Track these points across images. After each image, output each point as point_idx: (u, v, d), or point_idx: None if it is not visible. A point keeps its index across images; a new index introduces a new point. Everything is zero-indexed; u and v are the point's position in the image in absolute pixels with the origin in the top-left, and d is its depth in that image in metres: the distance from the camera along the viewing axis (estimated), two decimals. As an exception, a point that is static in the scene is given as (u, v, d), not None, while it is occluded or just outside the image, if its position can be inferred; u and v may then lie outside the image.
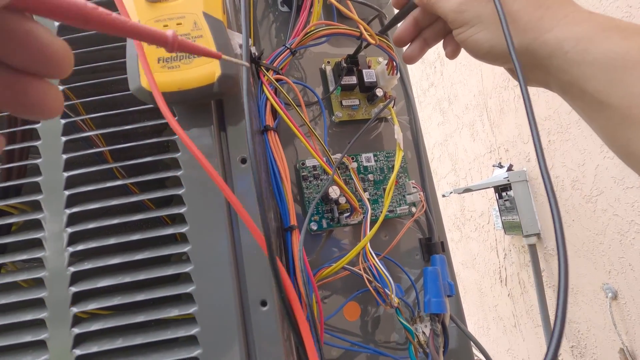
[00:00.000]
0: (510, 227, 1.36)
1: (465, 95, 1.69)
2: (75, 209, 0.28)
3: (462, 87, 1.71)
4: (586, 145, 1.03)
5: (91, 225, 0.28)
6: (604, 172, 0.98)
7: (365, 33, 0.37)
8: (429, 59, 2.06)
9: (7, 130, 0.33)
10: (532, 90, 1.21)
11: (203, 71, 0.26)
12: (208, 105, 0.29)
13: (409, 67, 1.72)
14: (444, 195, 1.69)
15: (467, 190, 1.47)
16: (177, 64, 0.26)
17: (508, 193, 1.35)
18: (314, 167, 0.45)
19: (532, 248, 1.30)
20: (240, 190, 0.29)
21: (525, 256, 1.39)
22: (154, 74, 0.26)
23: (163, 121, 0.29)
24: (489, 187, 1.44)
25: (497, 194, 1.41)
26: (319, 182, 0.44)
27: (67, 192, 0.28)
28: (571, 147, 1.09)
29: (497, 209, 1.43)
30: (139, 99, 0.26)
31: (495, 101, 1.44)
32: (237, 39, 0.29)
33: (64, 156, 0.29)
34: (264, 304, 0.28)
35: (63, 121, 0.29)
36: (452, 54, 0.37)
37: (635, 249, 0.94)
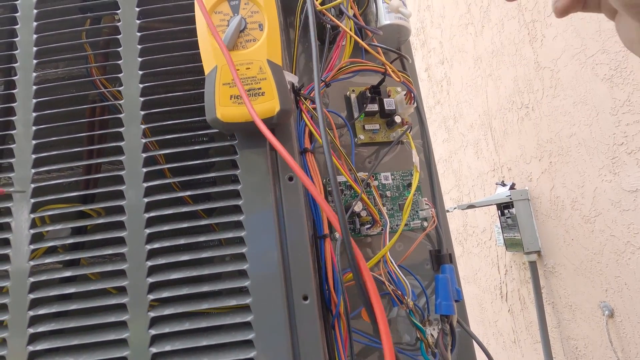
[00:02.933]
0: (512, 244, 1.41)
1: (470, 114, 1.75)
2: (153, 214, 0.34)
3: (467, 106, 1.78)
4: (585, 168, 1.09)
5: (165, 228, 0.34)
6: (602, 195, 1.04)
7: (392, 74, 0.43)
8: (435, 77, 2.14)
9: (88, 148, 0.39)
10: (536, 113, 1.28)
11: (266, 106, 0.32)
12: (260, 134, 0.35)
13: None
14: (447, 211, 1.74)
15: (471, 206, 1.52)
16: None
17: (510, 211, 1.40)
18: (339, 183, 0.51)
19: (533, 265, 1.35)
20: (288, 204, 0.35)
21: (525, 273, 1.43)
22: (226, 108, 0.32)
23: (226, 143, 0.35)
24: (491, 205, 1.49)
25: (499, 211, 1.46)
26: (343, 196, 0.51)
27: (146, 200, 0.35)
28: (571, 169, 1.15)
29: (499, 225, 1.48)
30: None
31: (499, 122, 1.51)
32: (289, 77, 0.36)
33: (144, 170, 0.35)
34: (305, 298, 0.33)
35: (145, 154, 0.35)
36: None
37: (631, 268, 0.98)
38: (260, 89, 0.32)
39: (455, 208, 1.68)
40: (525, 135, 1.36)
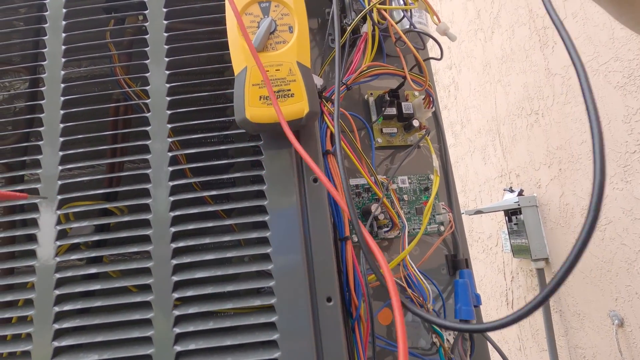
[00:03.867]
0: (519, 251, 1.40)
1: (478, 120, 1.75)
2: (178, 212, 0.34)
3: (475, 112, 1.78)
4: (596, 176, 1.08)
5: (191, 227, 0.34)
6: (613, 203, 1.03)
7: (411, 83, 0.43)
8: (443, 82, 2.14)
9: (112, 146, 0.40)
10: (546, 120, 1.28)
11: (295, 108, 0.32)
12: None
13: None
14: (454, 216, 1.73)
15: (478, 212, 1.52)
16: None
17: (518, 217, 1.40)
18: (357, 185, 0.51)
19: (540, 272, 1.34)
20: (312, 205, 0.35)
21: (532, 280, 1.42)
22: (255, 108, 0.32)
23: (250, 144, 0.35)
24: (499, 211, 1.49)
25: (506, 218, 1.45)
26: (360, 199, 0.51)
27: (172, 198, 0.35)
28: (582, 176, 1.14)
29: (506, 232, 1.47)
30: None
31: (508, 128, 1.50)
32: (317, 81, 0.36)
33: (170, 168, 0.35)
34: (329, 300, 0.33)
35: (170, 153, 0.36)
36: None
37: (642, 278, 0.98)
38: (289, 90, 0.32)
39: (462, 213, 1.68)
40: (535, 141, 1.35)
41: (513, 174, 1.50)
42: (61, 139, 0.37)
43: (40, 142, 0.37)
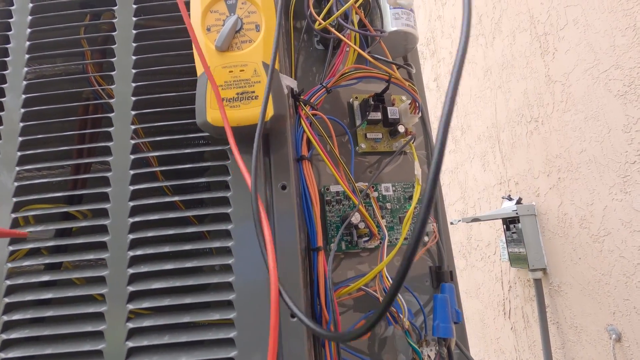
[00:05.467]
0: (517, 260, 1.37)
1: (478, 126, 1.73)
2: (137, 218, 0.33)
3: (475, 118, 1.75)
4: (595, 186, 1.06)
5: (150, 234, 0.32)
6: (612, 214, 1.01)
7: (396, 81, 0.41)
8: (444, 87, 2.12)
9: (77, 147, 0.38)
10: (545, 127, 1.25)
11: (259, 111, 0.30)
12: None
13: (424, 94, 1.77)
14: (451, 223, 1.71)
15: (476, 219, 1.49)
16: (238, 104, 0.31)
17: (516, 226, 1.37)
18: (337, 192, 0.49)
19: (538, 283, 1.31)
20: (279, 213, 0.33)
21: (530, 290, 1.39)
22: (217, 111, 0.30)
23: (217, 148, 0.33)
24: (497, 219, 1.46)
25: (504, 226, 1.43)
26: (341, 206, 0.49)
27: (131, 204, 0.33)
28: (580, 186, 1.11)
29: (504, 240, 1.44)
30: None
31: (508, 135, 1.48)
32: (286, 80, 0.34)
33: (131, 172, 0.34)
34: (293, 315, 0.31)
35: (133, 155, 0.34)
36: None
37: (641, 292, 0.95)
38: (253, 92, 0.31)
39: (460, 220, 1.65)
40: (534, 149, 1.33)
41: (512, 182, 1.48)
42: (20, 139, 0.35)
43: (-1, 142, 0.35)
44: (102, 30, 0.42)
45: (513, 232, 1.39)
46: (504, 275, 1.59)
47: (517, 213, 1.34)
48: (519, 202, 1.41)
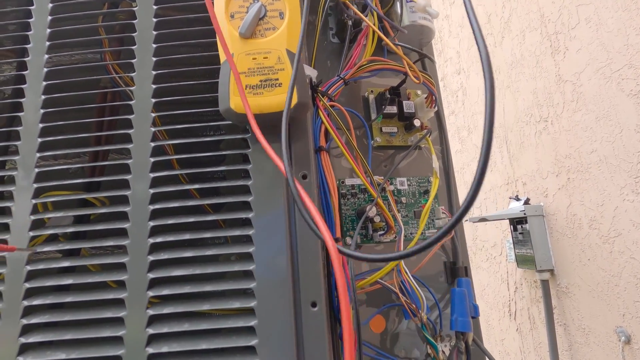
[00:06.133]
0: (523, 261, 1.36)
1: (486, 126, 1.71)
2: (157, 206, 0.32)
3: (482, 118, 1.74)
4: (606, 186, 1.05)
5: (170, 221, 0.32)
6: (623, 215, 1.00)
7: (412, 73, 0.41)
8: (451, 87, 2.11)
9: (96, 134, 0.38)
10: (555, 127, 1.24)
11: (283, 98, 0.30)
12: (278, 127, 0.34)
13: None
14: (458, 223, 1.70)
15: (483, 219, 1.48)
16: (261, 91, 0.30)
17: (523, 226, 1.36)
18: (352, 186, 0.49)
19: (545, 284, 1.30)
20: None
21: (536, 291, 1.38)
22: (240, 98, 0.30)
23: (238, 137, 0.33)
24: (504, 219, 1.45)
25: (512, 226, 1.42)
26: (356, 200, 0.48)
27: (152, 191, 0.33)
28: (591, 186, 1.10)
29: (510, 241, 1.43)
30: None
31: (516, 135, 1.47)
32: (308, 71, 0.34)
33: (152, 159, 0.34)
34: (314, 305, 0.31)
35: (153, 143, 0.34)
36: None
37: (651, 294, 0.94)
38: (277, 79, 0.30)
39: (466, 220, 1.64)
40: (543, 149, 1.32)
41: (520, 182, 1.47)
42: (41, 125, 0.35)
43: (19, 128, 0.35)
44: (119, 19, 0.42)
45: (520, 233, 1.38)
46: (510, 277, 1.57)
47: (524, 213, 1.33)
48: (526, 202, 1.40)
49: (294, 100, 0.30)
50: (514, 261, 1.43)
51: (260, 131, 0.28)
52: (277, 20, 0.31)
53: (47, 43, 0.37)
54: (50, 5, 0.38)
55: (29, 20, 0.38)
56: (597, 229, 1.09)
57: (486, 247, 1.76)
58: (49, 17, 0.38)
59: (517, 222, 1.39)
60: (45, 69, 0.36)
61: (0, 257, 0.33)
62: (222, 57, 0.31)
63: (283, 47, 0.31)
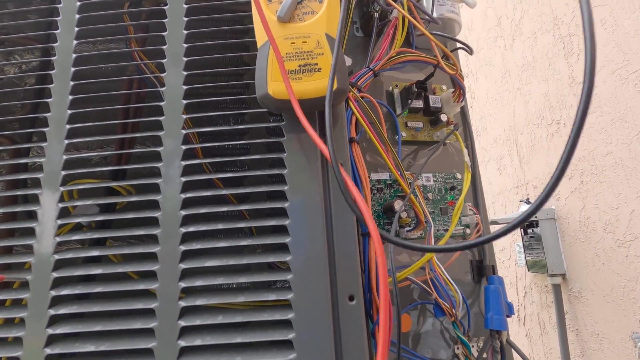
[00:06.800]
0: (534, 265, 1.34)
1: (494, 129, 1.71)
2: (189, 194, 0.31)
3: (491, 120, 1.73)
4: (622, 189, 1.03)
5: (203, 210, 0.31)
6: (640, 218, 0.98)
7: (445, 66, 0.40)
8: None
9: (122, 121, 0.37)
10: (567, 130, 1.23)
11: (322, 84, 0.29)
12: (313, 114, 0.33)
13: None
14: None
15: (493, 222, 1.47)
16: (300, 76, 0.30)
17: (534, 230, 1.34)
18: (378, 180, 0.48)
19: (557, 288, 1.28)
20: (336, 191, 0.32)
21: (547, 296, 1.36)
22: (279, 83, 0.29)
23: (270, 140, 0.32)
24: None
25: (522, 230, 1.40)
26: (382, 195, 0.47)
27: (183, 179, 0.32)
28: (605, 189, 1.09)
29: (521, 245, 1.42)
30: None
31: (527, 137, 1.46)
32: (345, 60, 0.33)
33: (183, 147, 0.33)
34: (351, 298, 0.30)
35: (184, 131, 0.33)
36: None
37: (670, 299, 0.92)
38: (316, 64, 0.30)
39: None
40: (555, 152, 1.31)
41: (530, 185, 1.45)
42: (69, 112, 0.34)
43: (47, 114, 0.34)
44: (144, 6, 0.41)
45: (531, 237, 1.36)
46: (519, 281, 1.55)
47: (536, 217, 1.31)
48: (538, 205, 1.38)
49: (334, 86, 0.29)
50: (523, 265, 1.41)
51: (304, 115, 0.27)
52: (316, 4, 0.31)
53: (76, 29, 0.36)
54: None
55: (58, 5, 0.37)
56: (612, 232, 1.08)
57: (495, 251, 1.74)
58: (78, 3, 0.37)
59: (527, 226, 1.37)
60: (74, 55, 0.36)
61: (27, 246, 0.32)
62: (260, 41, 0.30)
63: (322, 31, 0.30)
